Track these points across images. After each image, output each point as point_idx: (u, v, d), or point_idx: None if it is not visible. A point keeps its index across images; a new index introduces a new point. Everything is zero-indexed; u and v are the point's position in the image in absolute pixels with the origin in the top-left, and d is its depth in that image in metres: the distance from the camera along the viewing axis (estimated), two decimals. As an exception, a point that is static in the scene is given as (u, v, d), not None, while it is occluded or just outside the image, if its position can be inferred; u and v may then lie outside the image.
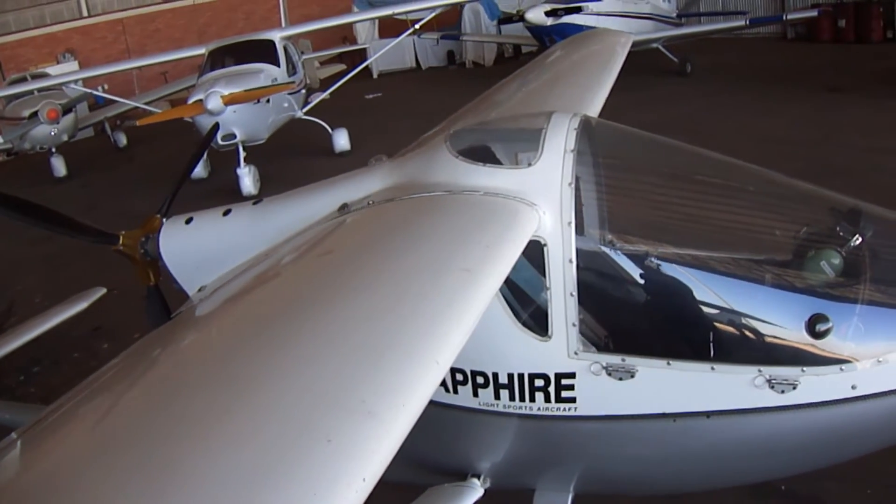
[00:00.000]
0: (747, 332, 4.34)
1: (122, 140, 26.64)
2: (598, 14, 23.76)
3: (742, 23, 25.41)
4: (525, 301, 4.51)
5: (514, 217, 4.15)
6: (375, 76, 33.60)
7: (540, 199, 4.28)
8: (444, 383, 4.54)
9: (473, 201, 4.29)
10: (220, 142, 16.92)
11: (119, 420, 2.99)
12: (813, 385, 4.08)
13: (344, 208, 4.67)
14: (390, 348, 2.98)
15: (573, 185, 4.32)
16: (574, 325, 4.27)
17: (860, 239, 4.31)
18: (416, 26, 21.27)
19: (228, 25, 34.06)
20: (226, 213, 5.32)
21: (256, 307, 3.85)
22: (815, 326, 4.07)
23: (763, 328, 4.28)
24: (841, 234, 4.36)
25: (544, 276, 4.29)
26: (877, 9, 26.90)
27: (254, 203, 5.37)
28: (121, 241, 5.64)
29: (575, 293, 4.25)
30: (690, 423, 4.28)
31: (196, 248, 5.31)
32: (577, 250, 4.27)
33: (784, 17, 26.40)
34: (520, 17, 25.16)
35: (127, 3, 39.06)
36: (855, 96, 18.89)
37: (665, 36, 25.28)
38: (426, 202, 4.37)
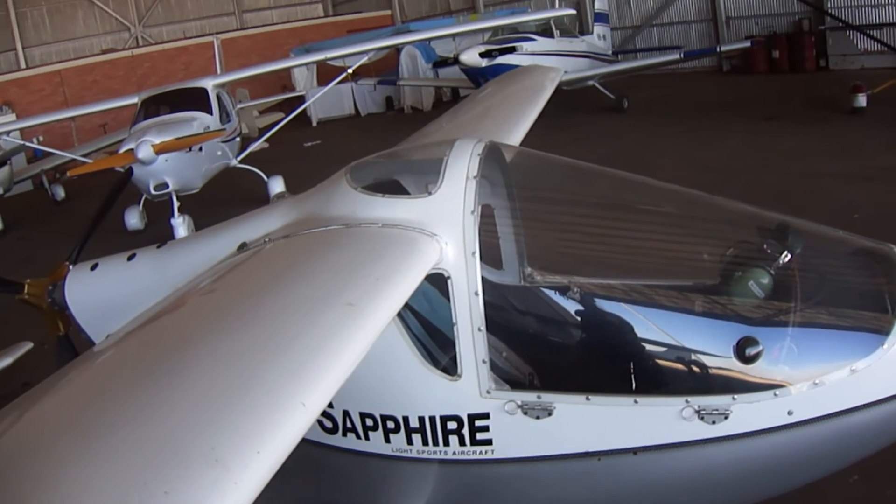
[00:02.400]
0: (671, 361, 4.14)
1: (60, 193, 26.05)
2: (533, 54, 23.80)
3: (677, 56, 25.58)
4: (432, 338, 4.30)
5: (411, 248, 3.94)
6: (315, 124, 33.41)
7: (441, 229, 4.07)
8: (354, 429, 4.31)
9: (370, 233, 4.10)
10: (153, 191, 16.56)
11: None
12: (746, 413, 3.87)
13: (243, 247, 4.50)
14: (250, 390, 2.78)
15: (477, 214, 4.11)
16: (484, 361, 4.03)
17: (789, 256, 4.14)
18: (350, 70, 21.05)
19: (168, 76, 33.63)
20: (130, 257, 5.20)
21: (128, 355, 3.59)
22: (744, 351, 3.87)
23: (688, 356, 4.09)
24: (769, 251, 4.18)
25: (450, 310, 4.05)
26: (809, 39, 27.41)
27: (158, 246, 5.26)
28: (25, 290, 5.45)
29: (483, 328, 4.02)
30: (617, 462, 4.04)
31: (101, 294, 5.18)
32: (484, 282, 4.06)
33: (718, 49, 26.69)
34: (454, 60, 25.16)
35: (65, 55, 38.87)
36: (790, 124, 19.12)
37: (601, 73, 25.42)
38: (321, 237, 4.18)
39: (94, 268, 5.33)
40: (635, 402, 3.94)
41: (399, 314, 4.09)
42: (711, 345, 4.06)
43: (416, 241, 4.00)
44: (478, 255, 4.04)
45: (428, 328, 4.35)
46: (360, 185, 4.38)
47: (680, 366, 4.11)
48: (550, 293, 4.46)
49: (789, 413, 3.85)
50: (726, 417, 3.86)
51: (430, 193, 4.20)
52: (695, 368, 4.07)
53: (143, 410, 2.77)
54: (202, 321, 3.56)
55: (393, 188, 4.46)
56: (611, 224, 4.75)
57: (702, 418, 3.86)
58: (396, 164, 4.98)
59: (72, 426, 2.80)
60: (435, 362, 4.18)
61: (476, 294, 4.01)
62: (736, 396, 3.85)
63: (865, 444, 4.12)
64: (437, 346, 4.28)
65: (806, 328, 4.05)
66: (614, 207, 4.86)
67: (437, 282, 4.07)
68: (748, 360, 3.87)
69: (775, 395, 3.84)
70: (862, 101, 19.10)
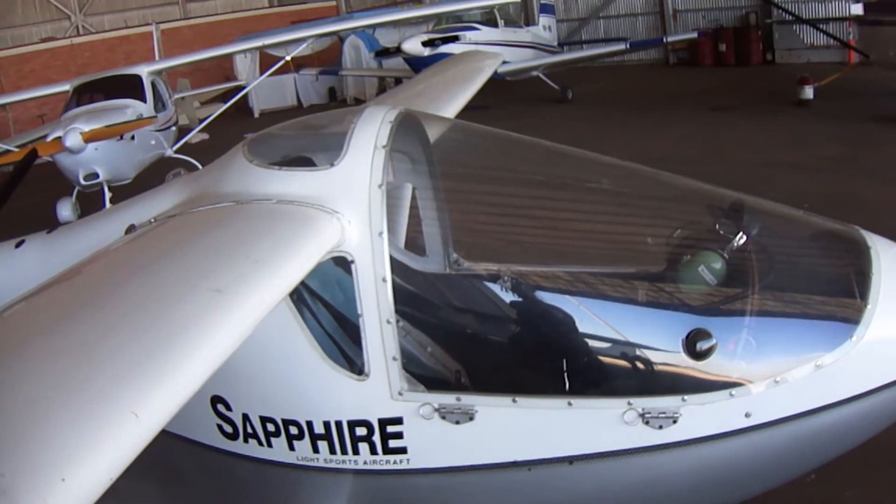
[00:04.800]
0: (612, 358, 3.75)
1: (-7, 186, 25.23)
2: (476, 43, 23.51)
3: (623, 46, 25.70)
4: (335, 332, 3.83)
5: (305, 227, 3.46)
6: (257, 115, 32.83)
7: (343, 206, 3.59)
8: (255, 435, 3.83)
9: (261, 210, 3.62)
10: (83, 182, 16.02)
11: None
12: (697, 416, 3.47)
13: (131, 229, 3.99)
14: (66, 399, 2.23)
15: (385, 188, 3.63)
16: (395, 358, 3.58)
17: (744, 237, 3.74)
18: (288, 57, 20.53)
19: (108, 66, 32.34)
20: (19, 244, 4.83)
21: None
22: (694, 345, 3.48)
23: (631, 351, 3.69)
24: (721, 232, 3.80)
25: (355, 299, 3.57)
26: (755, 32, 27.67)
27: (48, 232, 4.88)
28: None
29: (393, 319, 3.56)
30: (550, 472, 3.61)
31: None
32: (396, 267, 3.63)
33: (664, 40, 26.79)
34: (397, 50, 24.88)
35: (2, 44, 37.89)
36: (738, 115, 19.18)
37: (545, 63, 25.34)
38: (206, 215, 3.71)
39: None
40: (569, 404, 3.52)
41: (301, 304, 3.63)
42: (658, 339, 3.69)
43: (313, 218, 3.52)
44: (385, 235, 3.58)
45: (333, 320, 3.89)
46: (258, 158, 3.91)
47: (622, 363, 3.71)
48: (477, 282, 4.06)
49: (747, 415, 3.48)
50: (675, 421, 3.46)
51: (332, 165, 3.73)
52: (639, 366, 3.67)
53: None
54: (43, 315, 3.04)
55: (297, 161, 4.00)
56: (546, 204, 4.36)
57: (647, 422, 3.46)
58: (299, 135, 4.53)
59: None
60: (341, 360, 3.72)
61: (384, 280, 3.55)
62: (686, 397, 3.46)
63: (831, 448, 3.77)
64: (343, 341, 3.82)
65: (765, 318, 3.70)
66: (550, 185, 4.48)
67: (340, 266, 3.62)
68: (699, 355, 3.48)
69: (731, 395, 3.46)
70: (809, 93, 19.29)
